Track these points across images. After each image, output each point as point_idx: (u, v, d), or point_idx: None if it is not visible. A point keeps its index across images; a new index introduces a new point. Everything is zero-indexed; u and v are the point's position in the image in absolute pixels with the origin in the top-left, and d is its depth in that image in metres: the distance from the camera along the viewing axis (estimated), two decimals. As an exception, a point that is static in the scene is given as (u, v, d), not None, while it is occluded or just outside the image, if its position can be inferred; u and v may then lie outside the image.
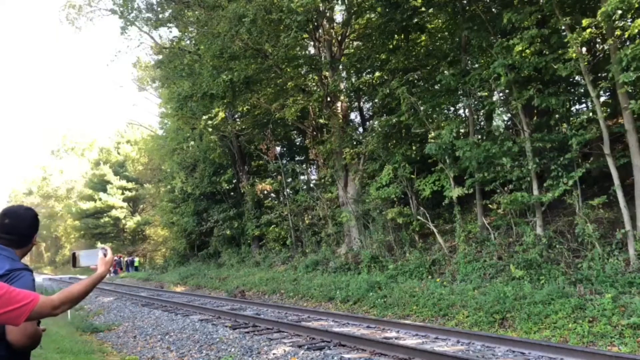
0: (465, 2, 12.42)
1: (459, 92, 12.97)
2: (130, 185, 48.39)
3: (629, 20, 8.86)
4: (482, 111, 13.57)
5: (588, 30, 8.93)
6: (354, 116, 20.37)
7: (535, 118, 12.36)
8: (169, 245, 34.34)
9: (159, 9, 19.73)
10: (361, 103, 19.90)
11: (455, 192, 12.03)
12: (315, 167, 22.12)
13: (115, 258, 29.39)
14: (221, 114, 22.00)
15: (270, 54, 15.65)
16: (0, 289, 1.82)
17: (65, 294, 1.99)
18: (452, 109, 15.47)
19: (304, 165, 23.44)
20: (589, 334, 7.25)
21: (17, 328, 1.99)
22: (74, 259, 2.39)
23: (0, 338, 2.00)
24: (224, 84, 15.85)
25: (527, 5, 10.60)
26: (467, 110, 13.68)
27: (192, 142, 26.82)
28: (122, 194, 48.29)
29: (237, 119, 23.87)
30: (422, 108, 13.21)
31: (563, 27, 10.19)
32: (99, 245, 45.17)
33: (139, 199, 48.17)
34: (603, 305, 7.62)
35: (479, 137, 13.09)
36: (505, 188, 11.39)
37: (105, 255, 2.28)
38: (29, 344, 2.08)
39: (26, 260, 2.88)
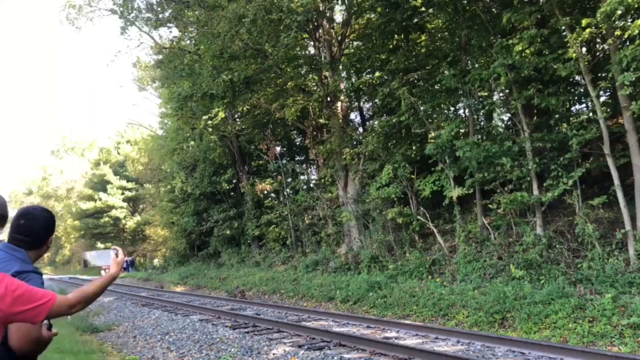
0: (465, 2, 12.42)
1: (459, 92, 12.97)
2: (130, 185, 48.38)
3: (629, 21, 8.86)
4: (482, 111, 13.57)
5: (588, 30, 8.93)
6: (354, 116, 20.38)
7: (535, 118, 12.35)
8: (169, 245, 34.34)
9: (159, 9, 19.73)
10: (361, 103, 19.89)
11: (455, 192, 12.03)
12: (315, 167, 22.12)
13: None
14: (221, 114, 21.97)
15: (270, 54, 15.64)
16: (20, 288, 1.83)
17: (80, 293, 2.01)
18: (452, 109, 15.46)
19: (304, 165, 23.43)
20: (589, 334, 7.25)
21: (21, 333, 1.97)
22: (85, 260, 2.46)
23: (2, 341, 1.96)
24: (224, 84, 15.85)
25: (527, 5, 10.60)
26: (467, 110, 13.68)
27: (192, 142, 26.81)
28: (122, 194, 48.28)
29: (237, 119, 23.86)
30: (422, 108, 13.22)
31: (563, 27, 10.19)
32: (99, 244, 45.22)
33: (139, 199, 48.16)
34: (603, 305, 7.62)
35: (479, 137, 13.09)
36: (505, 188, 11.40)
37: (117, 255, 2.30)
38: (33, 348, 2.05)
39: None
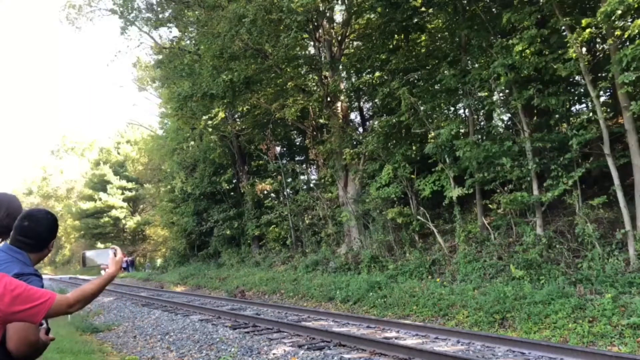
0: (465, 2, 12.42)
1: (459, 92, 12.97)
2: (130, 185, 48.38)
3: (629, 21, 8.86)
4: (482, 111, 13.56)
5: (588, 30, 8.93)
6: (354, 116, 20.37)
7: (535, 118, 12.35)
8: (169, 245, 34.35)
9: (159, 9, 19.75)
10: (361, 103, 19.89)
11: (455, 192, 12.03)
12: (315, 167, 22.11)
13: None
14: (221, 114, 22.00)
15: (270, 54, 15.64)
16: (18, 287, 1.83)
17: (79, 292, 2.01)
18: (452, 109, 15.45)
19: (304, 165, 23.43)
20: (589, 334, 7.25)
21: (19, 335, 1.97)
22: (83, 259, 2.46)
23: (1, 342, 1.96)
24: (224, 84, 15.85)
25: (527, 5, 10.60)
26: (467, 110, 13.68)
27: (192, 142, 26.84)
28: (122, 194, 48.28)
29: (237, 119, 23.88)
30: (422, 108, 13.22)
31: (563, 27, 10.19)
32: (99, 244, 45.19)
33: (139, 199, 48.16)
34: (603, 305, 7.62)
35: (479, 137, 13.09)
36: (505, 188, 11.40)
37: (115, 254, 2.31)
38: (30, 352, 2.04)
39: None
